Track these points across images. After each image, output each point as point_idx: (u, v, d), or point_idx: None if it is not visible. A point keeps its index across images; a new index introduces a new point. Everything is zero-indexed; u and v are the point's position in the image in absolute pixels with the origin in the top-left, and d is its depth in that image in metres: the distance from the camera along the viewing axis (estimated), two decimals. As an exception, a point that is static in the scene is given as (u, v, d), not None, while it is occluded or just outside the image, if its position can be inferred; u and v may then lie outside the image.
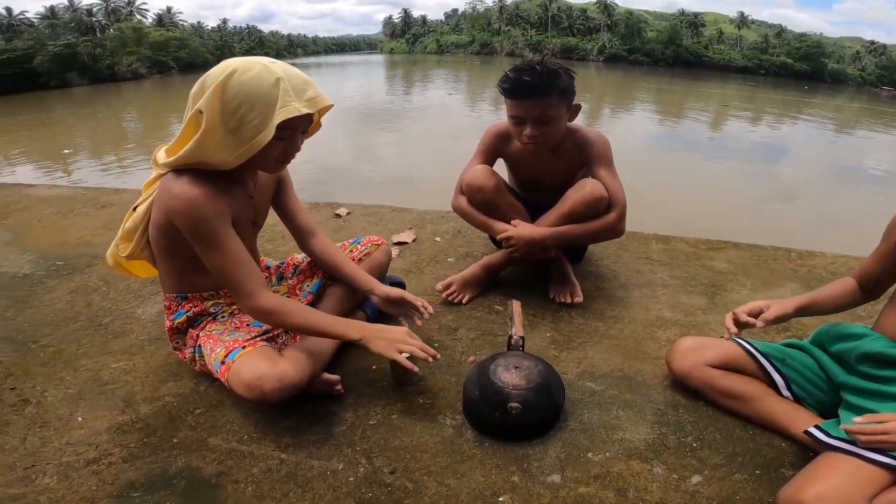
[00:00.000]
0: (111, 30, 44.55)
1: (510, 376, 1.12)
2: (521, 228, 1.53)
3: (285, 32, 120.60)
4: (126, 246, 1.20)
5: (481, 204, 1.58)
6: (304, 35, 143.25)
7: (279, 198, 1.34)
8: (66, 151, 9.87)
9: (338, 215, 2.40)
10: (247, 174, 1.17)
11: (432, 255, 1.98)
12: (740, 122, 16.86)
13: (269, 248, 2.01)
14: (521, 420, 1.09)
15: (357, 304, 1.44)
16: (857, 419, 0.92)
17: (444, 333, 1.48)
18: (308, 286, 1.38)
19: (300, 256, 1.46)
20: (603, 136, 1.59)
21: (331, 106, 1.08)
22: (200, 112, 0.98)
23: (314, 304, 1.35)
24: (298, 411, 1.17)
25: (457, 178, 1.67)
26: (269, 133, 0.98)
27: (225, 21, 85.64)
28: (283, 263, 1.45)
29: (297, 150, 1.10)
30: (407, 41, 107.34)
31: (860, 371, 1.06)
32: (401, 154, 8.89)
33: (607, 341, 1.46)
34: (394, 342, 1.14)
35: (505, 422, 1.09)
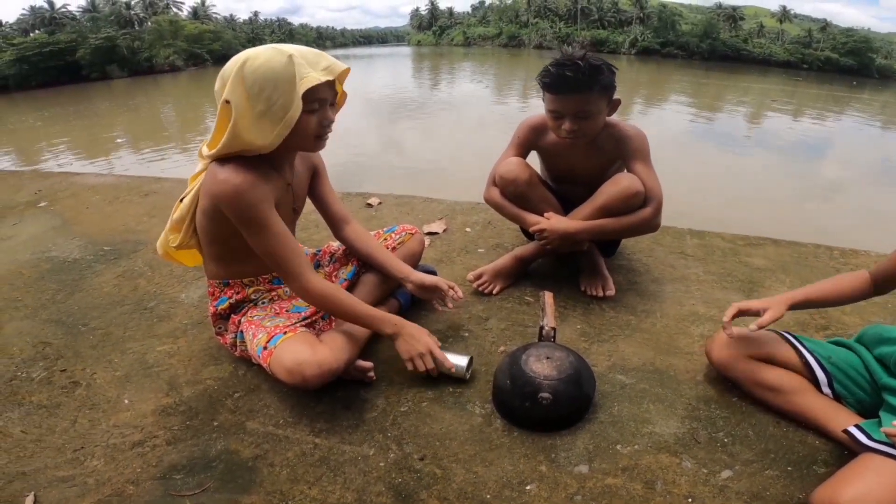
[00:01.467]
0: (149, 23, 45.79)
1: (541, 367, 1.13)
2: (554, 221, 1.52)
3: (314, 25, 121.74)
4: (175, 237, 1.25)
5: (514, 196, 1.58)
6: (333, 27, 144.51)
7: (314, 186, 1.37)
8: (119, 140, 10.27)
9: (369, 205, 2.43)
10: (285, 161, 1.20)
11: (463, 246, 1.99)
12: (783, 116, 16.23)
13: (302, 237, 2.05)
14: (550, 410, 1.09)
15: (390, 292, 1.46)
16: None
17: (475, 323, 1.49)
18: (343, 273, 1.41)
19: (336, 244, 1.49)
20: (641, 130, 1.57)
21: (348, 70, 1.12)
22: (228, 102, 1.03)
23: (349, 291, 1.38)
24: (332, 397, 1.20)
25: (486, 169, 1.67)
26: (298, 107, 1.02)
27: (256, 14, 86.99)
28: (319, 251, 1.49)
29: (331, 121, 1.13)
30: (434, 33, 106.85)
31: None
32: (430, 145, 8.88)
33: (639, 335, 1.45)
34: (412, 351, 1.21)
35: (534, 412, 1.10)
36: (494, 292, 1.63)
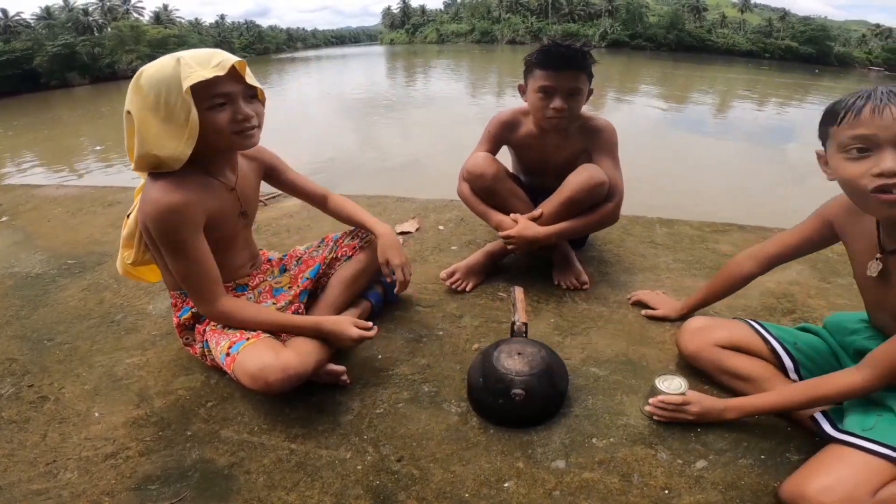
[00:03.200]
0: (109, 28, 44.59)
1: (513, 363, 1.13)
2: (521, 227, 1.53)
3: (284, 27, 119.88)
4: (129, 253, 1.24)
5: (482, 191, 1.60)
6: (303, 28, 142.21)
7: (278, 180, 1.39)
8: (83, 150, 9.94)
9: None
10: (224, 165, 1.20)
11: (436, 244, 1.99)
12: (751, 105, 16.65)
13: (274, 242, 2.03)
14: (524, 406, 1.10)
15: (360, 293, 1.45)
16: None
17: (449, 321, 1.49)
18: (306, 273, 1.40)
19: (301, 248, 1.49)
20: (611, 124, 1.61)
21: (243, 63, 1.09)
22: (129, 113, 1.05)
23: (313, 291, 1.39)
24: (306, 402, 1.19)
25: (460, 165, 1.68)
26: (191, 107, 1.01)
27: (223, 17, 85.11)
28: (285, 256, 1.48)
29: (248, 115, 1.09)
30: (407, 31, 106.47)
31: None
32: (404, 143, 8.84)
33: (611, 326, 1.46)
34: (346, 342, 1.23)
35: (509, 408, 1.10)
36: (468, 289, 1.63)
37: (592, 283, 1.66)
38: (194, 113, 1.02)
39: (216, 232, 1.17)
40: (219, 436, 1.12)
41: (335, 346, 1.24)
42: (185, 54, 1.04)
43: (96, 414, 1.19)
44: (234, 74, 1.06)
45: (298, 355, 1.12)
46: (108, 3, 53.69)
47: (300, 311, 1.33)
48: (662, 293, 1.57)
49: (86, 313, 1.61)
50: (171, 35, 43.71)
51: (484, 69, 30.32)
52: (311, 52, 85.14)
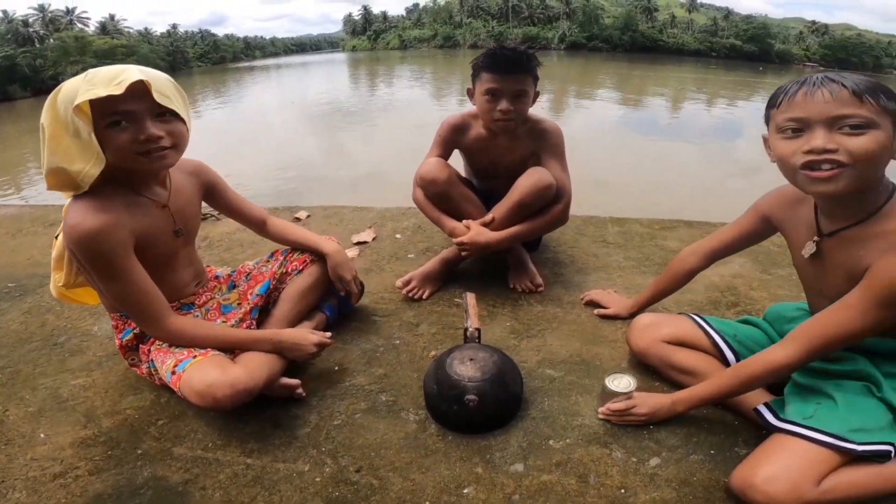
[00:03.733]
0: (51, 40, 42.74)
1: (465, 369, 1.14)
2: (473, 233, 1.55)
3: (241, 35, 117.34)
4: (60, 276, 1.19)
5: (435, 196, 1.61)
6: (262, 37, 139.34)
7: (217, 200, 1.37)
8: (24, 166, 9.44)
9: (297, 219, 2.38)
10: (151, 182, 1.16)
11: (393, 253, 1.99)
12: (700, 104, 17.32)
13: (227, 257, 1.99)
14: (479, 411, 1.11)
15: (315, 305, 1.44)
16: None
17: (406, 330, 1.49)
18: (256, 289, 1.38)
19: (251, 264, 1.47)
20: (558, 127, 1.66)
21: (140, 81, 1.00)
22: (42, 126, 1.02)
23: (264, 307, 1.37)
24: (261, 416, 1.18)
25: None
26: (80, 124, 0.98)
27: (175, 26, 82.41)
28: (234, 272, 1.45)
29: (149, 136, 1.03)
30: (369, 38, 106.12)
31: None
32: (368, 151, 8.79)
33: (566, 327, 1.49)
34: (304, 355, 1.24)
35: (464, 414, 1.11)
36: (424, 297, 1.64)
37: (547, 285, 1.69)
38: (87, 130, 0.98)
39: (150, 251, 1.14)
40: (171, 453, 1.09)
41: (294, 358, 1.23)
42: (94, 70, 1.01)
43: (42, 435, 1.16)
44: (138, 92, 1.00)
45: (248, 370, 1.10)
46: (49, 14, 51.46)
47: (252, 327, 1.31)
48: (614, 292, 1.62)
49: (27, 337, 1.55)
50: (119, 45, 42.35)
51: (447, 73, 30.49)
52: (270, 61, 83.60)
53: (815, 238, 1.01)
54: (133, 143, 1.03)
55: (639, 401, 1.13)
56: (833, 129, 0.85)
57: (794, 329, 0.98)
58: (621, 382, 1.15)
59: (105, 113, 0.99)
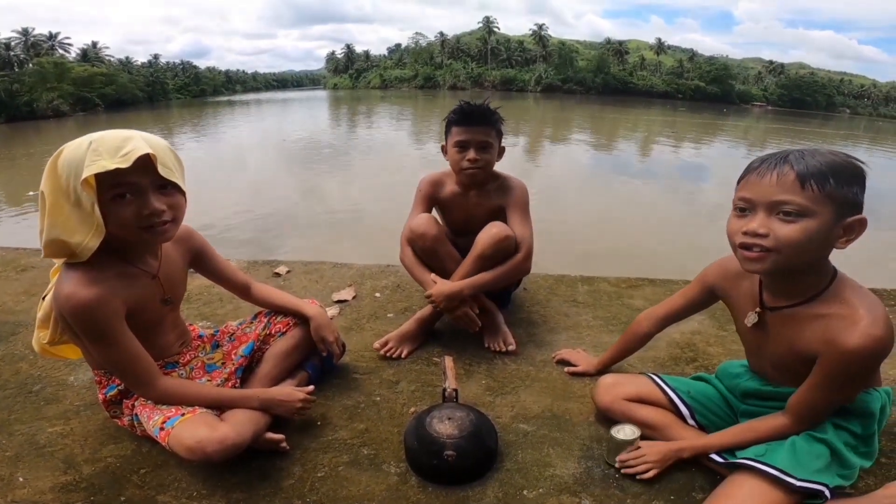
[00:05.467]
0: (31, 64, 42.34)
1: (444, 427, 1.22)
2: (439, 285, 1.65)
3: (223, 68, 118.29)
4: (45, 333, 1.21)
5: (423, 250, 1.71)
6: (244, 71, 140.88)
7: (204, 267, 1.41)
8: (30, 193, 9.19)
9: (277, 274, 2.40)
10: (144, 252, 1.19)
11: (372, 312, 2.03)
12: (670, 147, 18.11)
13: (206, 311, 2.00)
14: (457, 465, 1.18)
15: (298, 364, 1.49)
16: None
17: (386, 387, 1.55)
18: (241, 350, 1.42)
19: (234, 324, 1.51)
20: (523, 183, 1.83)
21: (148, 155, 1.01)
22: (42, 193, 1.03)
23: (248, 366, 1.41)
24: (246, 467, 1.21)
25: (402, 218, 1.80)
26: (89, 197, 0.98)
27: (156, 56, 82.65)
28: (217, 331, 1.49)
29: (154, 210, 1.05)
30: (350, 76, 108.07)
31: (750, 403, 1.23)
32: (347, 193, 8.80)
33: (538, 384, 1.57)
34: (291, 411, 1.29)
35: (443, 468, 1.18)
36: (403, 356, 1.69)
37: (521, 345, 1.76)
38: (91, 203, 0.99)
39: (140, 318, 1.16)
40: (155, 501, 1.11)
41: (280, 414, 1.27)
42: (98, 138, 1.00)
43: (20, 479, 1.17)
44: (143, 164, 1.00)
45: (235, 427, 1.14)
46: (31, 39, 51.19)
47: (237, 385, 1.35)
48: (583, 350, 1.71)
49: (1, 384, 1.55)
50: (98, 73, 42.25)
51: (427, 114, 31.21)
52: (250, 96, 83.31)
53: (758, 309, 1.13)
54: (137, 218, 1.04)
55: (647, 449, 1.20)
56: (771, 214, 0.95)
57: (793, 401, 1.10)
58: (626, 431, 1.22)
59: (110, 185, 1.00)
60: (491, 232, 1.64)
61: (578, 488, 1.18)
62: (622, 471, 1.20)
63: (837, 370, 1.00)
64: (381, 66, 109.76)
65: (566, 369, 1.62)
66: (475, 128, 1.69)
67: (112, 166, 0.97)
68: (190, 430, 1.10)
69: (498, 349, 1.73)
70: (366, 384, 1.56)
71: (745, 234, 0.97)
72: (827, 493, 1.00)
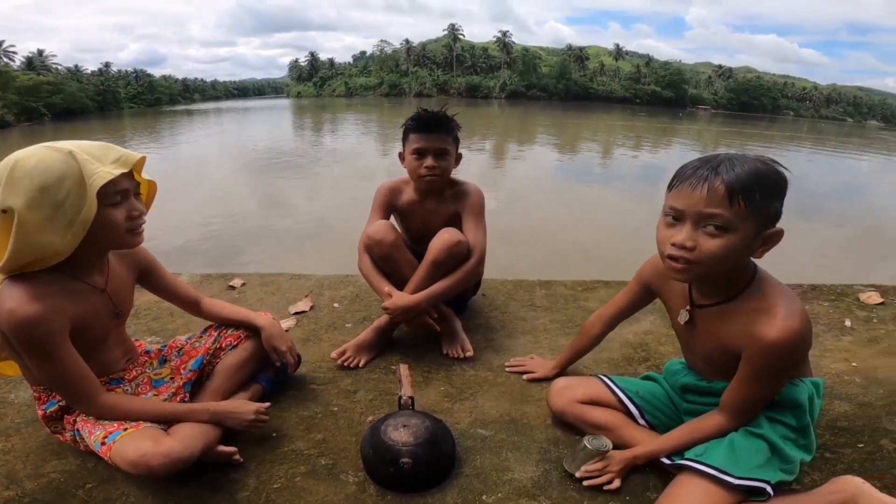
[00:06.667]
0: (-29, 73, 40.31)
1: (399, 434, 1.22)
2: (395, 298, 1.65)
3: (179, 77, 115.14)
4: None
5: (380, 257, 1.71)
6: (202, 79, 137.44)
7: (152, 282, 1.38)
8: None
9: (232, 287, 2.35)
10: (93, 267, 1.17)
11: (330, 322, 2.01)
12: (630, 150, 18.67)
13: (155, 327, 1.94)
14: (414, 473, 1.18)
15: (250, 377, 1.47)
16: None
17: (343, 397, 1.54)
18: (189, 364, 1.40)
19: (182, 338, 1.49)
20: (479, 189, 1.84)
21: (143, 159, 1.10)
22: (4, 211, 0.99)
23: (197, 380, 1.38)
24: (198, 480, 1.18)
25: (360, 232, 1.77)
26: (93, 205, 1.00)
27: (107, 65, 79.50)
28: (164, 346, 1.46)
29: (140, 211, 1.11)
30: (315, 84, 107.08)
31: (689, 399, 1.27)
32: (310, 204, 8.67)
33: (496, 389, 1.58)
34: (244, 423, 1.27)
35: (400, 475, 1.18)
36: (360, 365, 1.68)
37: (479, 350, 1.77)
38: (88, 212, 0.99)
39: (85, 334, 1.14)
40: None
41: (232, 426, 1.26)
42: (74, 146, 1.01)
43: None
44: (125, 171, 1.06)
45: (182, 440, 1.12)
46: (-27, 47, 48.74)
47: (186, 400, 1.33)
48: (536, 356, 1.73)
49: None
50: (44, 82, 40.69)
51: (393, 122, 31.21)
52: (210, 105, 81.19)
53: (688, 307, 1.18)
54: (128, 221, 1.07)
55: (612, 459, 1.21)
56: (699, 226, 0.98)
57: (725, 398, 1.13)
58: (599, 442, 1.22)
59: (108, 193, 1.02)
60: (443, 238, 1.65)
61: (537, 492, 1.19)
62: (584, 482, 1.20)
63: (761, 364, 1.04)
64: (345, 73, 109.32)
65: (524, 376, 1.63)
66: (432, 135, 1.70)
67: (117, 172, 1.02)
68: (133, 444, 1.08)
69: (456, 355, 1.74)
70: (323, 394, 1.55)
71: (673, 245, 1.00)
72: (769, 489, 1.03)
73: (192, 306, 1.46)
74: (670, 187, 1.03)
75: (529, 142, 20.91)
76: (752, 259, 1.07)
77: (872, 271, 5.59)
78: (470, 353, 1.74)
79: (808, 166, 17.26)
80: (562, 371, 1.60)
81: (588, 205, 8.80)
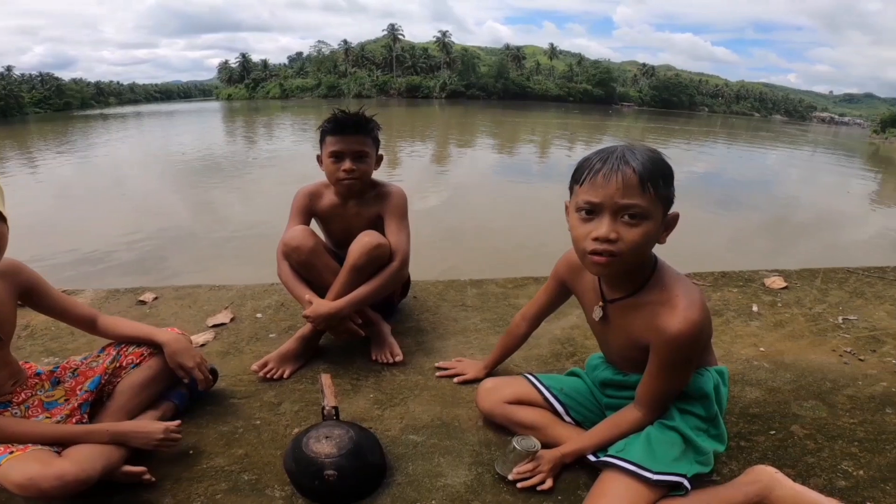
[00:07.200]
0: None
1: (321, 446, 1.18)
2: (316, 306, 1.60)
3: (93, 80, 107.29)
4: None
5: (299, 264, 1.64)
6: (118, 82, 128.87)
7: (38, 302, 1.32)
8: None
9: (142, 302, 2.20)
10: None
11: (253, 333, 1.93)
12: (565, 146, 19.32)
13: (54, 347, 1.80)
14: (341, 484, 1.15)
15: (159, 394, 1.39)
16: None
17: (267, 410, 1.48)
18: (86, 385, 1.32)
19: (78, 358, 1.41)
20: (402, 190, 1.80)
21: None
22: None
23: (97, 401, 1.31)
24: (108, 501, 1.13)
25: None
26: None
27: (9, 68, 72.59)
28: (57, 367, 1.37)
29: None
30: (247, 86, 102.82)
31: (608, 393, 1.30)
32: (241, 214, 8.18)
33: (427, 393, 1.56)
34: (151, 443, 1.22)
35: (327, 488, 1.15)
36: (285, 376, 1.62)
37: (409, 354, 1.75)
38: None
39: None
40: None
41: (140, 446, 1.20)
42: None
43: None
44: None
45: (77, 462, 1.07)
46: None
47: (84, 421, 1.26)
48: (466, 358, 1.72)
49: None
50: (-66, 88, 36.57)
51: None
52: (128, 108, 76.34)
53: (601, 303, 1.20)
54: None
55: (542, 459, 1.21)
56: (617, 218, 0.98)
57: (638, 391, 1.16)
58: (528, 443, 1.22)
59: None
60: (362, 241, 1.61)
61: (471, 496, 1.18)
62: (518, 484, 1.19)
63: (666, 356, 1.08)
64: (280, 75, 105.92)
65: (455, 379, 1.62)
66: (350, 137, 1.65)
67: None
68: (19, 467, 1.02)
69: (385, 361, 1.71)
70: (245, 408, 1.48)
71: (596, 240, 0.99)
72: (686, 483, 1.06)
73: (87, 325, 1.39)
74: (580, 182, 1.03)
75: (470, 141, 21.14)
76: (654, 248, 1.09)
77: (780, 256, 6.07)
78: (399, 358, 1.71)
79: (724, 159, 18.59)
80: (491, 371, 1.61)
81: (527, 202, 8.99)
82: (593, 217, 1.01)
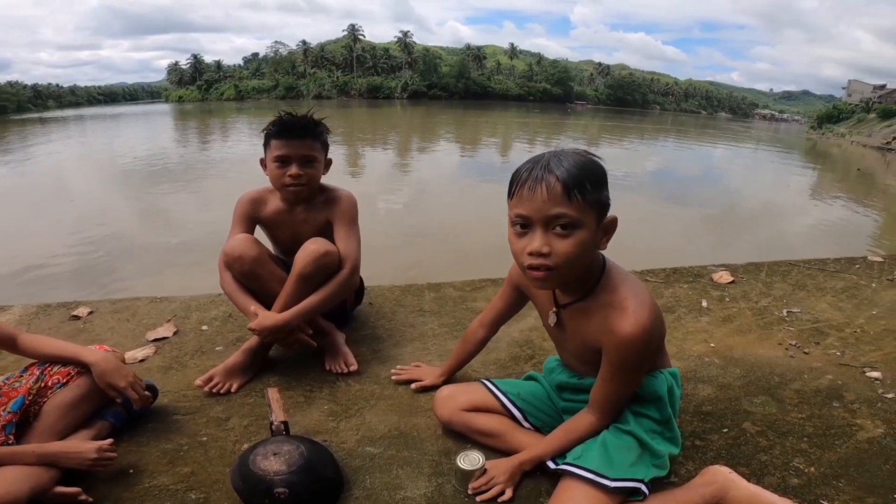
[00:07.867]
0: None
1: (269, 463, 1.13)
2: (262, 318, 1.53)
3: (28, 82, 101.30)
4: None
5: (243, 274, 1.57)
6: (58, 85, 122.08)
7: None
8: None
9: (76, 317, 2.06)
10: None
11: (198, 347, 1.84)
12: (525, 145, 19.57)
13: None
14: (293, 502, 1.10)
15: (92, 413, 1.32)
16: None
17: (214, 425, 1.41)
18: (9, 406, 1.24)
19: (1, 379, 1.32)
20: (352, 195, 1.74)
21: None
22: None
23: (20, 422, 1.23)
24: None
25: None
26: None
27: (-69, 71, 67.58)
28: None
29: None
30: (199, 88, 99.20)
31: (565, 397, 1.30)
32: (193, 221, 7.85)
33: (384, 403, 1.52)
34: (84, 463, 1.17)
35: None
36: (233, 390, 1.55)
37: (365, 363, 1.71)
38: None
39: None
40: None
41: (73, 467, 1.15)
42: None
43: None
44: None
45: (2, 485, 1.04)
46: None
47: (10, 443, 1.18)
48: (423, 364, 1.69)
49: None
50: None
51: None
52: (69, 111, 71.77)
53: (555, 309, 1.20)
54: None
55: (495, 471, 1.18)
56: (548, 230, 0.97)
57: (592, 396, 1.15)
58: (471, 459, 1.19)
59: None
60: (309, 249, 1.55)
61: (431, 508, 1.14)
62: (477, 498, 1.17)
63: (618, 359, 1.08)
64: (235, 76, 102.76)
65: (412, 386, 1.58)
66: (296, 141, 1.58)
67: None
68: None
69: (339, 371, 1.65)
70: (189, 425, 1.41)
71: (531, 254, 0.98)
72: (644, 488, 1.06)
73: (7, 344, 1.32)
74: (511, 194, 1.02)
75: (433, 141, 21.10)
76: (600, 252, 1.09)
77: (728, 248, 6.31)
78: (354, 367, 1.66)
79: (675, 156, 19.26)
80: (449, 378, 1.58)
81: (488, 201, 9.03)
82: (527, 231, 1.00)
